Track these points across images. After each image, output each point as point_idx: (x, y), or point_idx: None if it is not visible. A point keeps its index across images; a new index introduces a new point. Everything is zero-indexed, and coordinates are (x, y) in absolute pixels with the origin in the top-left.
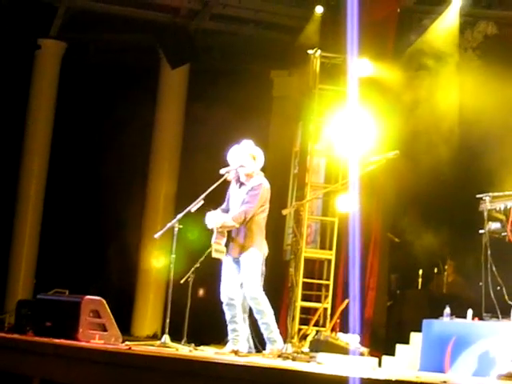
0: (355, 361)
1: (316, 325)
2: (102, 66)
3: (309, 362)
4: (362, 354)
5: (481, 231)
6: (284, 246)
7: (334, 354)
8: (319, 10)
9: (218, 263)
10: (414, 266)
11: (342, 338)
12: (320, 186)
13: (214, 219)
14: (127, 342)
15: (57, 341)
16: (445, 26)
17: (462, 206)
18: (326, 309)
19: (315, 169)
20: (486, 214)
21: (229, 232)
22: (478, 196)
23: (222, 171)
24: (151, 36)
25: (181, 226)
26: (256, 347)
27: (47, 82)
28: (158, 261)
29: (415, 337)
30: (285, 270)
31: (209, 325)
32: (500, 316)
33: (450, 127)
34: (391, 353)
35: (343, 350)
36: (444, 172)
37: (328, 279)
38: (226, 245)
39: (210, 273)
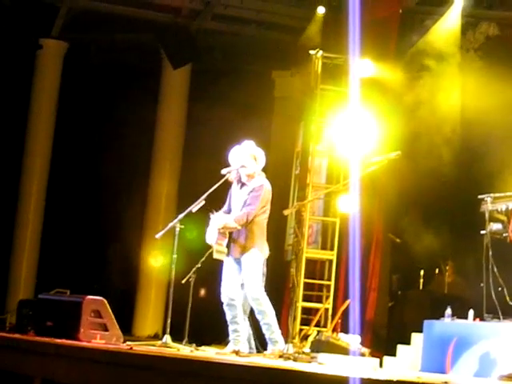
0: (356, 361)
1: (317, 325)
2: (104, 65)
3: (310, 362)
4: (363, 355)
5: (482, 232)
6: (285, 247)
7: (335, 354)
8: (321, 10)
9: (218, 263)
10: (415, 266)
11: (343, 339)
12: (321, 186)
13: (217, 220)
14: (128, 342)
15: (58, 341)
16: (446, 27)
17: (464, 207)
18: (327, 309)
19: (317, 169)
20: (487, 214)
21: (230, 233)
22: (479, 197)
23: (223, 171)
24: (153, 36)
25: (182, 226)
26: (256, 348)
27: (49, 81)
28: (159, 261)
29: (416, 337)
30: (286, 270)
31: (210, 325)
32: (501, 317)
33: (451, 128)
34: (392, 353)
35: (344, 351)
36: (445, 173)
37: (329, 280)
38: (228, 245)
39: (212, 273)
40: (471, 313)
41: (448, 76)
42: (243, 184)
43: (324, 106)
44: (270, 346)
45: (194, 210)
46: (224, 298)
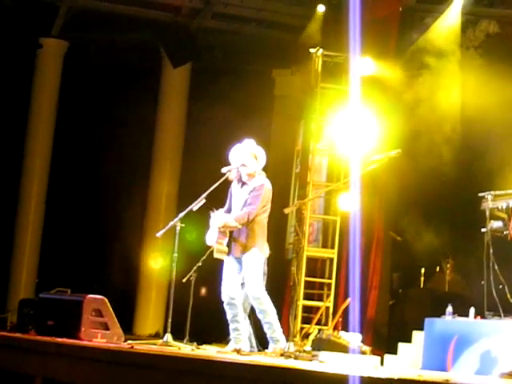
0: (357, 359)
1: (318, 323)
2: (104, 65)
3: (311, 360)
4: (364, 353)
5: (483, 230)
6: (286, 245)
7: (336, 352)
8: (321, 8)
9: (219, 262)
10: (416, 264)
11: (344, 337)
12: (322, 184)
13: (217, 219)
14: (129, 341)
15: (59, 340)
16: (447, 25)
17: (464, 205)
18: (328, 307)
19: (317, 168)
20: (488, 212)
21: (230, 232)
22: (480, 194)
23: (223, 170)
24: (153, 35)
25: (183, 225)
26: (257, 346)
27: (49, 81)
28: (160, 260)
29: (417, 335)
30: (287, 268)
31: (211, 324)
32: (502, 314)
33: (451, 126)
34: (393, 351)
35: (345, 349)
36: (446, 171)
37: (330, 278)
38: (228, 245)
39: (212, 272)
40: (472, 310)
41: (448, 74)
42: (244, 183)
43: (324, 104)
44: (271, 345)
45: (194, 209)
46: (224, 297)
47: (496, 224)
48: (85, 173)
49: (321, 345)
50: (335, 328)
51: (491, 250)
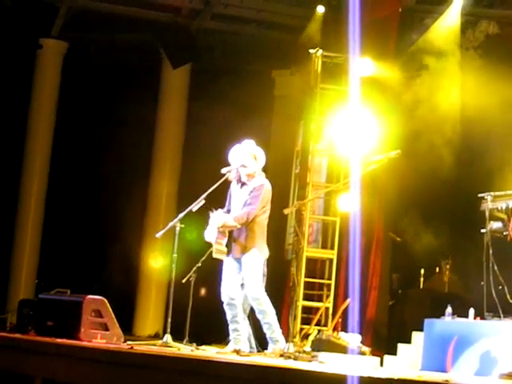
0: (357, 360)
1: (318, 324)
2: (104, 65)
3: (310, 361)
4: (363, 354)
5: (482, 230)
6: (285, 246)
7: (335, 353)
8: (321, 9)
9: (219, 263)
10: (415, 265)
11: (343, 338)
12: (322, 185)
13: (216, 219)
14: (129, 342)
15: (59, 340)
16: (446, 26)
17: (464, 206)
18: (327, 308)
19: (317, 168)
20: (487, 213)
21: (230, 232)
22: (479, 195)
23: (223, 170)
24: (153, 36)
25: (182, 226)
26: (256, 347)
27: (49, 81)
28: (160, 261)
29: (417, 336)
30: (286, 269)
31: (210, 324)
32: (502, 315)
33: (451, 127)
34: (393, 352)
35: (345, 350)
36: (445, 171)
37: (330, 278)
38: (228, 245)
39: (212, 272)
40: (472, 311)
41: (448, 74)
42: (243, 183)
43: (324, 104)
44: (270, 345)
45: (194, 210)
46: (224, 298)
47: (496, 225)
48: (85, 173)
49: (320, 345)
50: (335, 329)
51: (491, 251)
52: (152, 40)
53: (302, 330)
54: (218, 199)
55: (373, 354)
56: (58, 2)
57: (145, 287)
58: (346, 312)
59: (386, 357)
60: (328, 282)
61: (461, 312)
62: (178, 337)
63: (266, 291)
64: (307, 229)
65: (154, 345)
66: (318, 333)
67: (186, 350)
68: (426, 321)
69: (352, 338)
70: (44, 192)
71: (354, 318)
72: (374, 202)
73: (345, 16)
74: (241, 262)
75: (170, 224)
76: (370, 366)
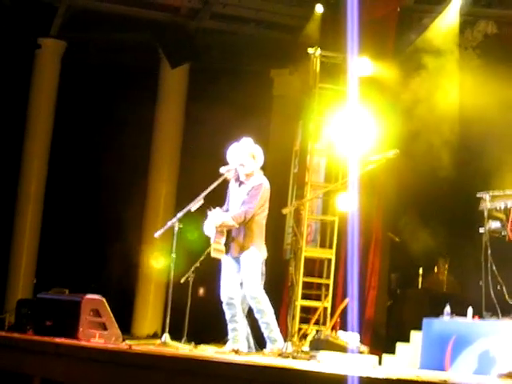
0: (355, 359)
1: (316, 324)
2: (102, 65)
3: (309, 360)
4: (362, 353)
5: (481, 230)
6: (284, 245)
7: (334, 352)
8: (319, 9)
9: (217, 262)
10: (413, 264)
11: (342, 337)
12: (320, 185)
13: (214, 218)
14: (127, 341)
15: (57, 340)
16: (445, 25)
17: (462, 205)
18: (326, 308)
19: (315, 168)
20: (486, 213)
21: (228, 231)
22: (478, 195)
23: (221, 170)
24: (151, 35)
25: (181, 226)
26: (254, 346)
27: (47, 81)
28: (158, 260)
29: (415, 335)
30: (285, 269)
31: (209, 324)
32: (500, 315)
33: (449, 126)
34: (391, 351)
35: (343, 349)
36: (444, 171)
37: (328, 278)
38: (226, 244)
39: (210, 272)
40: (470, 311)
41: (446, 74)
42: (241, 182)
43: (322, 104)
44: (268, 345)
45: (192, 209)
46: (223, 297)
47: (494, 224)
48: (83, 173)
49: (319, 345)
50: (333, 328)
51: (489, 251)
52: (150, 39)
53: (300, 329)
54: (217, 199)
55: (371, 353)
56: (56, 1)
57: (143, 287)
58: (344, 311)
59: (385, 356)
60: (326, 281)
61: (459, 311)
62: (176, 336)
63: (264, 290)
64: (306, 228)
65: (153, 344)
66: (317, 332)
67: (184, 349)
68: (425, 320)
69: (350, 338)
70: (42, 192)
71: (352, 318)
72: (372, 202)
73: (343, 16)
74: (239, 261)
75: (169, 224)
76: (369, 365)
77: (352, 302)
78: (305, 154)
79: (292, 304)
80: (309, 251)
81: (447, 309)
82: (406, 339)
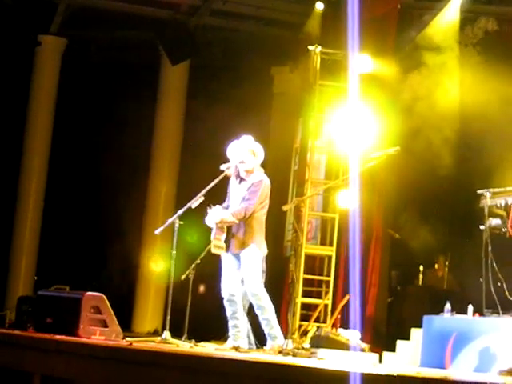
0: (356, 357)
1: (317, 321)
2: (103, 62)
3: (309, 357)
4: (362, 350)
5: (481, 227)
6: (284, 242)
7: (334, 349)
8: (320, 6)
9: (218, 260)
10: (414, 262)
11: (342, 334)
12: (320, 182)
13: (214, 215)
14: (128, 339)
15: (58, 337)
16: (445, 22)
17: (463, 202)
18: (326, 305)
19: (316, 165)
20: (486, 209)
21: (229, 228)
22: (478, 192)
23: (222, 167)
24: (151, 32)
25: (181, 223)
26: (255, 343)
27: (47, 78)
28: (160, 262)
29: (416, 333)
30: (285, 266)
31: (209, 321)
32: (501, 312)
33: (450, 123)
34: (392, 349)
35: (344, 346)
36: (444, 168)
37: (328, 275)
38: (226, 241)
39: (211, 269)
40: (471, 308)
41: (446, 71)
42: (242, 179)
43: (323, 101)
44: (269, 342)
45: (193, 206)
46: (224, 294)
47: (495, 221)
48: (83, 171)
49: (319, 342)
50: (334, 325)
51: (490, 248)
52: (151, 37)
53: (300, 326)
54: (218, 196)
55: (372, 350)
56: None
57: (144, 284)
58: (344, 309)
59: (385, 353)
60: (327, 278)
61: (460, 308)
62: (176, 333)
63: (265, 287)
64: (306, 225)
65: (153, 341)
66: (317, 329)
67: (184, 346)
68: (425, 317)
69: (351, 335)
70: (43, 191)
71: (353, 315)
72: (372, 199)
73: (344, 13)
74: (239, 257)
75: (169, 221)
76: (369, 362)
77: (352, 299)
78: (305, 151)
79: (292, 301)
80: (309, 248)
81: (448, 306)
82: (407, 336)
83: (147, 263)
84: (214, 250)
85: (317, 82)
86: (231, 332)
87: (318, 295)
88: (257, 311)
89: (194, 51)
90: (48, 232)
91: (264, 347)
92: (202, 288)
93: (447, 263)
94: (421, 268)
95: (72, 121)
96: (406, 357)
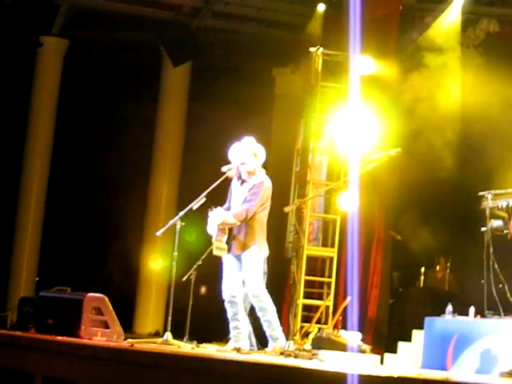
0: (357, 358)
1: (318, 322)
2: (104, 63)
3: (311, 359)
4: (363, 352)
5: (483, 229)
6: (286, 244)
7: (336, 351)
8: (321, 7)
9: (219, 261)
10: (415, 263)
11: (343, 336)
12: (322, 183)
13: (215, 217)
14: (129, 340)
15: (59, 338)
16: (447, 24)
17: (464, 204)
18: (327, 306)
19: (317, 166)
20: (488, 211)
21: (230, 229)
22: (479, 194)
23: (223, 169)
24: (153, 34)
25: (183, 224)
26: (257, 345)
27: (49, 79)
28: (160, 261)
29: (417, 334)
30: (286, 267)
31: (211, 322)
32: (502, 313)
33: (451, 125)
34: (393, 350)
35: (345, 348)
36: (446, 170)
37: (330, 277)
38: (228, 242)
39: (212, 270)
40: (472, 309)
41: (448, 73)
42: (243, 180)
43: (324, 103)
44: (270, 343)
45: (194, 208)
46: (225, 295)
47: (496, 223)
48: (85, 171)
49: (321, 343)
50: (335, 327)
51: (491, 249)
52: (153, 38)
53: (302, 328)
54: (219, 197)
55: (373, 352)
56: None
57: (145, 285)
58: (346, 310)
59: (387, 355)
60: (328, 280)
61: (461, 310)
62: (178, 335)
63: (266, 289)
64: (307, 227)
65: (155, 343)
66: (319, 331)
67: (186, 347)
68: (427, 319)
69: (352, 336)
70: (44, 191)
71: (354, 316)
72: (374, 201)
73: (345, 14)
74: (240, 259)
75: (171, 222)
76: (371, 364)
77: (354, 301)
78: (307, 152)
79: (294, 302)
80: (311, 249)
81: (449, 307)
82: (408, 338)
83: (148, 264)
84: (215, 252)
85: (318, 84)
86: (232, 333)
87: (320, 297)
88: (258, 313)
89: (196, 53)
90: (49, 233)
91: (265, 349)
92: (203, 289)
93: (449, 265)
94: (422, 269)
95: (74, 122)
96: (408, 358)
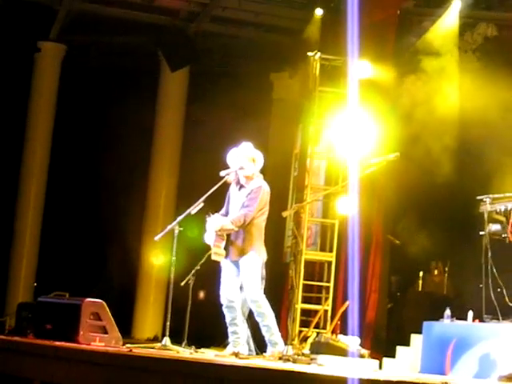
0: (356, 363)
1: (316, 327)
2: (102, 68)
3: (309, 363)
4: (362, 356)
5: (481, 233)
6: (284, 248)
7: (334, 355)
8: (319, 12)
9: (218, 266)
10: (414, 267)
11: (342, 340)
12: (320, 188)
13: (213, 222)
14: (128, 345)
15: (57, 343)
16: (444, 28)
17: (462, 208)
18: (326, 311)
19: (315, 171)
20: (486, 215)
21: (228, 235)
22: (478, 198)
23: (221, 173)
24: (151, 38)
25: (181, 229)
26: (255, 349)
27: (47, 84)
28: (160, 257)
29: (416, 339)
30: (285, 272)
31: (209, 327)
32: (500, 318)
33: (449, 129)
34: (392, 355)
35: (344, 352)
36: (444, 174)
37: (328, 281)
38: (226, 247)
39: (211, 275)
40: (470, 314)
41: (446, 77)
42: (241, 186)
43: (322, 107)
44: (269, 348)
45: (192, 212)
46: (223, 300)
47: (494, 227)
48: (84, 176)
49: (319, 348)
50: (334, 331)
51: (489, 254)
52: (150, 43)
53: (300, 332)
54: (217, 202)
55: (372, 356)
56: (56, 5)
57: (144, 290)
58: (344, 315)
59: (385, 359)
60: (327, 284)
61: (459, 314)
62: (176, 340)
63: (264, 294)
64: (306, 231)
65: (153, 348)
66: (317, 335)
67: (184, 352)
68: (425, 323)
69: (351, 341)
70: (43, 194)
71: (353, 321)
72: (372, 205)
73: (343, 19)
74: (238, 264)
75: (169, 227)
76: (369, 368)
77: (352, 305)
78: (305, 157)
79: (292, 307)
80: (309, 254)
81: (447, 312)
82: (407, 342)
83: (147, 268)
84: (213, 257)
85: (316, 88)
86: (231, 338)
87: (318, 301)
88: (257, 318)
89: (194, 57)
90: (48, 238)
91: (264, 353)
92: (201, 294)
93: (447, 269)
94: (420, 274)
95: (72, 127)
96: (406, 363)
